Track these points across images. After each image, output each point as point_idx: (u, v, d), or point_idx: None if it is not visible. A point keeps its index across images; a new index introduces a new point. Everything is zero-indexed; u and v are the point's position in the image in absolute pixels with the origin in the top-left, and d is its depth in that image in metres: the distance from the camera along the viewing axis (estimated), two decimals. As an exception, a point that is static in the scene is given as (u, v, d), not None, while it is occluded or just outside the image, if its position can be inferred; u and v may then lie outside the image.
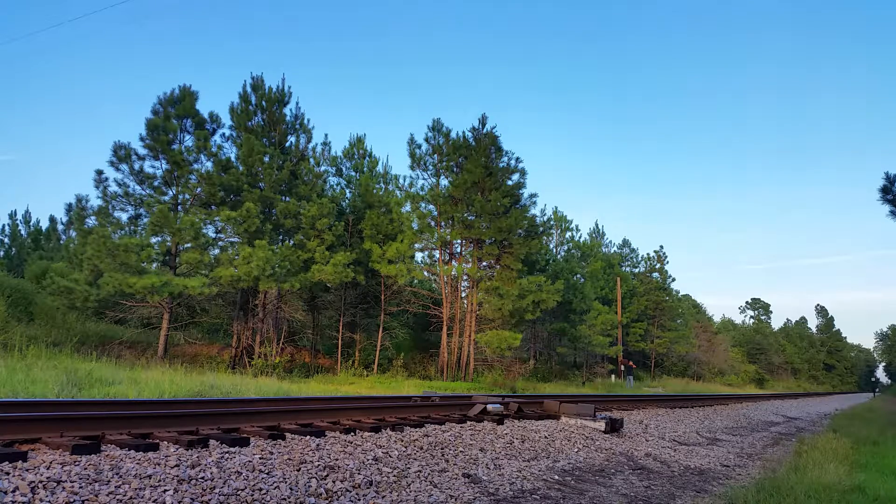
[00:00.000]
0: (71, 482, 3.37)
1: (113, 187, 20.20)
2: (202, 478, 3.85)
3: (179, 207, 20.97)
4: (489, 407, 8.71)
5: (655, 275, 53.94)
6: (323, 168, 28.48)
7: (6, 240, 39.11)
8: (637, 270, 54.32)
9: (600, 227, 56.79)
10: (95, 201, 19.94)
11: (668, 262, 54.93)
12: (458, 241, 27.50)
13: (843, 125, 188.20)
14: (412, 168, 28.18)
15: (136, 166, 20.43)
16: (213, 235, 21.50)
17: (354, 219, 26.74)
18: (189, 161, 20.70)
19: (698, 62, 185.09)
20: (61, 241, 36.65)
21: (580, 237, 48.51)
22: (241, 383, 12.68)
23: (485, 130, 26.65)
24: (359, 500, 4.15)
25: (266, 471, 4.23)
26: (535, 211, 34.03)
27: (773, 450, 10.62)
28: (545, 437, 7.59)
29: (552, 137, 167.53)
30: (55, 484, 3.31)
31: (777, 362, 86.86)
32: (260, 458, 4.47)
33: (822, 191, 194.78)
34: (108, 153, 20.00)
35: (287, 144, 24.14)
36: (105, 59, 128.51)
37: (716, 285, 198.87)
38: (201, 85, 77.65)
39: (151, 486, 3.55)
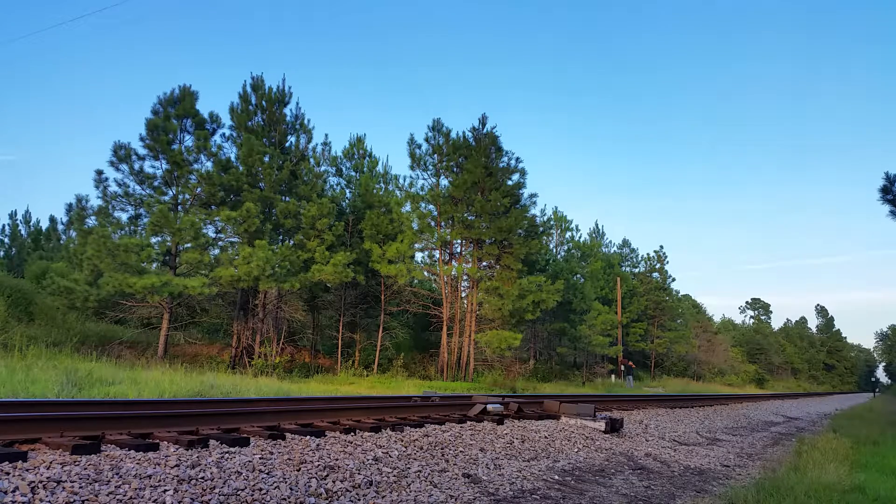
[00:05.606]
0: (71, 482, 3.37)
1: (113, 187, 20.24)
2: (202, 478, 3.85)
3: (179, 207, 20.96)
4: (489, 407, 8.70)
5: (655, 275, 53.95)
6: (323, 168, 28.53)
7: (6, 240, 39.17)
8: (637, 270, 54.31)
9: (600, 227, 56.88)
10: (95, 201, 19.99)
11: (668, 262, 55.00)
12: (458, 241, 27.50)
13: (843, 125, 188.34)
14: (412, 168, 28.21)
15: (136, 166, 20.46)
16: (213, 235, 21.53)
17: (354, 219, 26.73)
18: (189, 161, 20.70)
19: (699, 62, 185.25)
20: (61, 241, 36.66)
21: (580, 237, 48.53)
22: (241, 383, 12.69)
23: (485, 130, 26.66)
24: (359, 500, 4.15)
25: (266, 471, 4.23)
26: (535, 211, 34.07)
27: (773, 450, 10.61)
28: (545, 437, 7.58)
29: (552, 137, 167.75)
30: (55, 484, 3.31)
31: (777, 362, 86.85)
32: (260, 458, 4.47)
33: (823, 191, 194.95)
34: (108, 153, 20.09)
35: (287, 144, 24.15)
36: (105, 59, 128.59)
37: (716, 285, 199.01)
38: (201, 85, 77.72)
39: (151, 486, 3.55)
